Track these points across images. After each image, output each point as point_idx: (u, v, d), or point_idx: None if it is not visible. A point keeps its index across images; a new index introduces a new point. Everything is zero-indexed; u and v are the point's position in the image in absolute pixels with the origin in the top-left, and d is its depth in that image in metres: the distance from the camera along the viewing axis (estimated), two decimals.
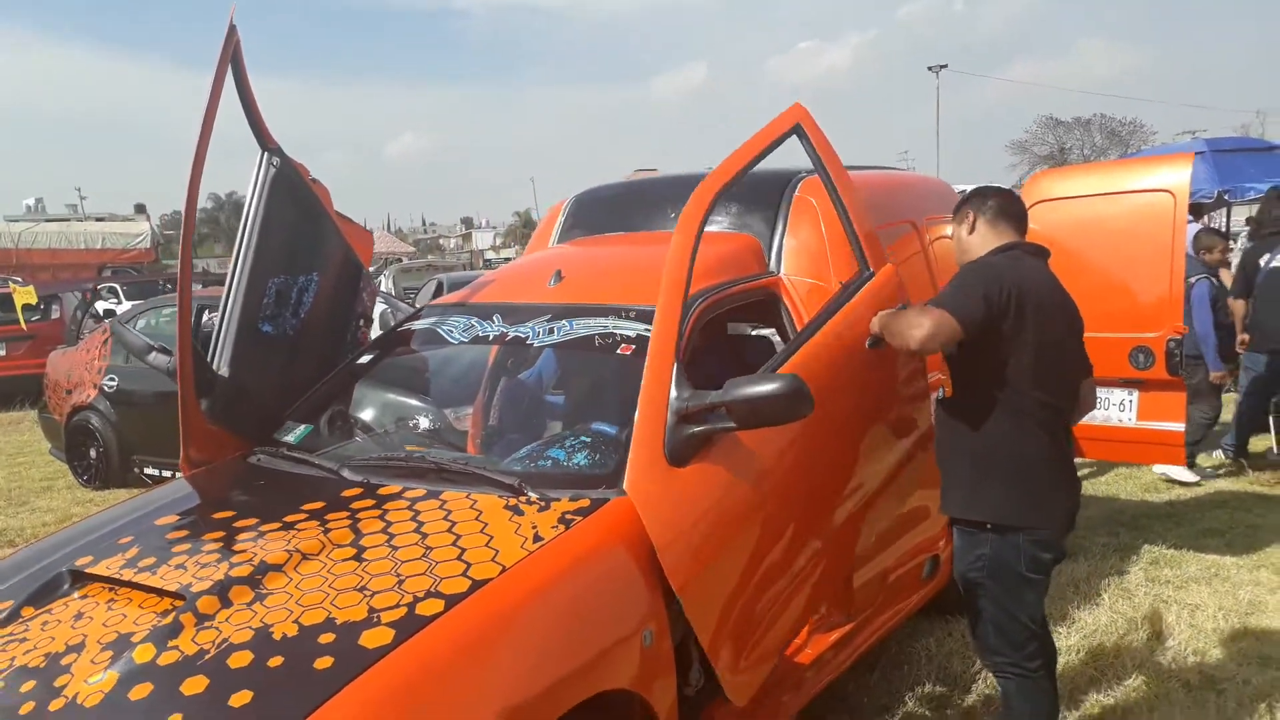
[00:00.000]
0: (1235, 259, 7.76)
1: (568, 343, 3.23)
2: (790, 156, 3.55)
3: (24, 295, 10.67)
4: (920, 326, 2.78)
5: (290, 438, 3.34)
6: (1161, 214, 4.82)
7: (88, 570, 2.55)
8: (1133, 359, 4.85)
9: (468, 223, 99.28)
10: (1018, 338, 2.83)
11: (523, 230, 73.22)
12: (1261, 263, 6.64)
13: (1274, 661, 3.97)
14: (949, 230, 4.74)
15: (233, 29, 3.22)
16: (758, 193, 3.99)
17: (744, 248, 3.77)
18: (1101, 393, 5.00)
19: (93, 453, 7.83)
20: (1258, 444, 7.12)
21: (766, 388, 2.57)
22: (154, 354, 3.40)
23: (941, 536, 4.30)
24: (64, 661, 2.17)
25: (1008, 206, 3.12)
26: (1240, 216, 10.04)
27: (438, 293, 12.65)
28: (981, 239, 3.08)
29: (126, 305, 12.75)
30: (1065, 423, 2.98)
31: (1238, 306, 6.79)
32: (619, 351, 3.11)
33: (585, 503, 2.64)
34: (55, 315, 12.40)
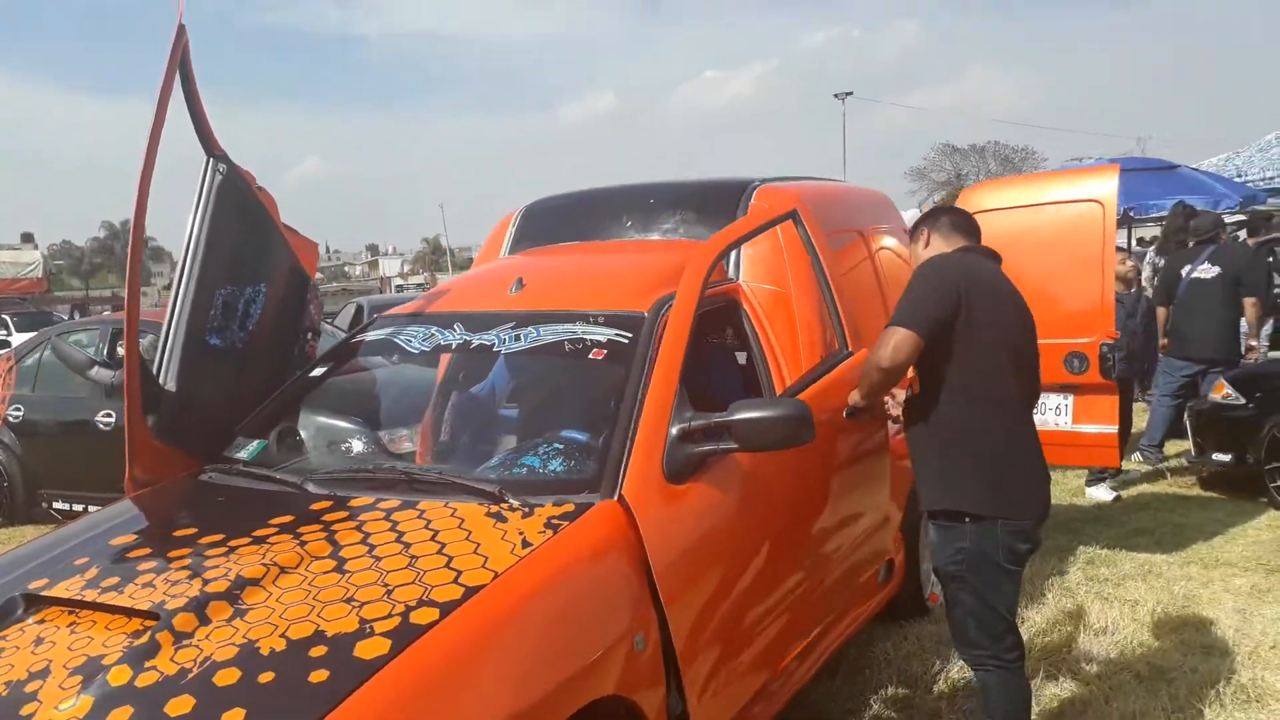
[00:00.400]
0: (1145, 272, 8.08)
1: (535, 349, 3.17)
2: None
3: None
4: (884, 347, 2.92)
5: (243, 454, 3.20)
6: (1091, 223, 4.98)
7: (44, 594, 2.38)
8: (1067, 364, 4.99)
9: (374, 249, 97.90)
10: (973, 329, 2.92)
11: (431, 257, 72.45)
12: (1183, 273, 6.92)
13: (1216, 650, 4.10)
14: (890, 241, 4.86)
15: (182, 29, 3.11)
16: (713, 201, 4.01)
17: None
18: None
19: None
20: (1172, 448, 7.41)
21: (773, 412, 2.69)
22: (96, 369, 3.25)
23: (897, 546, 4.37)
24: (28, 689, 2.02)
25: (960, 221, 3.26)
26: (1143, 233, 10.47)
27: (358, 316, 12.39)
28: (936, 251, 3.17)
29: (17, 337, 12.16)
30: (1029, 412, 3.04)
31: (1160, 314, 7.07)
32: (591, 356, 3.07)
33: (570, 508, 2.58)
34: None
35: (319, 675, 1.95)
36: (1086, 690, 3.78)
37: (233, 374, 3.49)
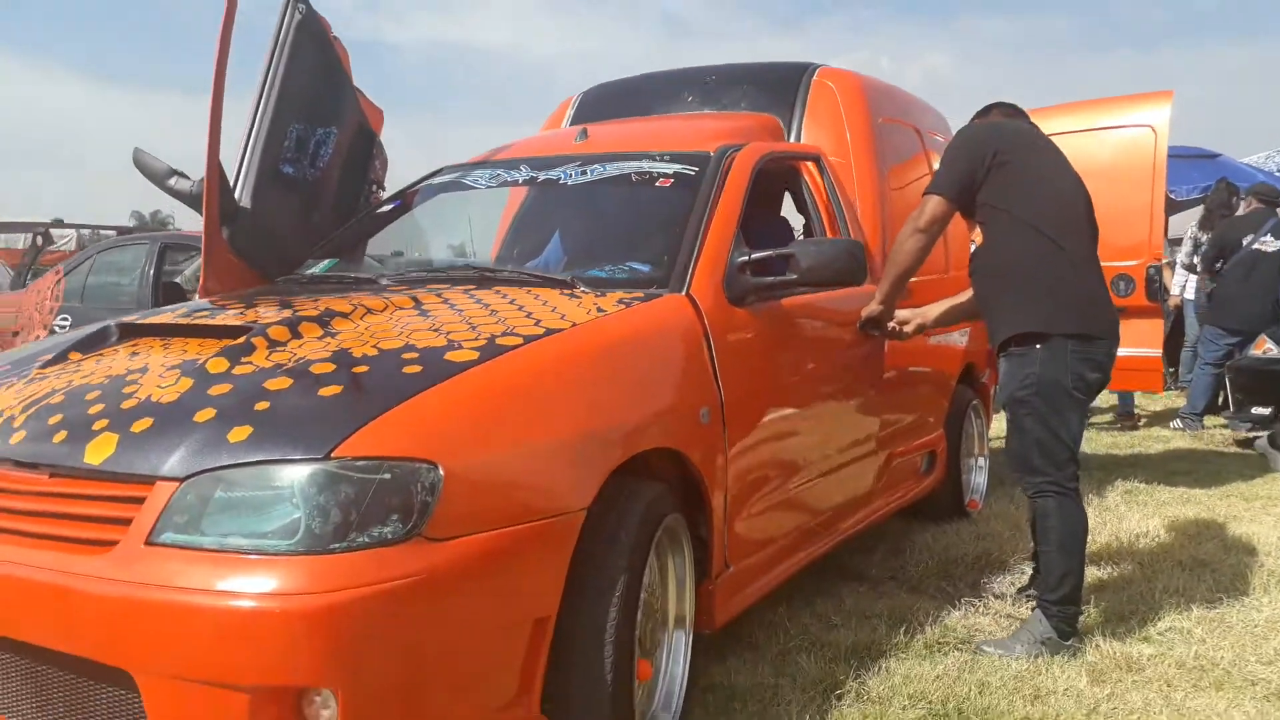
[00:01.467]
0: (1185, 247, 8.05)
1: (602, 180, 3.23)
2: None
3: None
4: (919, 212, 3.16)
5: (315, 270, 3.28)
6: (1143, 148, 5.03)
7: (138, 322, 2.45)
8: (1114, 286, 5.01)
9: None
10: (1021, 171, 3.06)
11: None
12: (1245, 241, 6.90)
13: (1260, 552, 4.09)
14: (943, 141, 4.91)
15: None
16: (775, 80, 4.08)
17: (765, 125, 3.82)
18: None
19: None
20: (1210, 421, 7.38)
21: (831, 246, 2.84)
22: (175, 178, 3.31)
23: (940, 440, 4.40)
24: (129, 378, 2.09)
25: (1011, 113, 3.40)
26: (1179, 216, 10.45)
27: None
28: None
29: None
30: (1095, 245, 3.09)
31: (1204, 281, 7.07)
32: (658, 185, 3.13)
33: (640, 294, 2.64)
34: None
35: (412, 369, 2.01)
36: (1129, 570, 3.79)
37: (302, 204, 3.56)
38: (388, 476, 1.77)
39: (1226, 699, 2.65)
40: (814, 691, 2.65)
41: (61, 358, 2.31)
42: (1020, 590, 3.51)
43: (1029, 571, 3.54)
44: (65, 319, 7.34)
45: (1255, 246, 6.82)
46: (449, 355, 2.07)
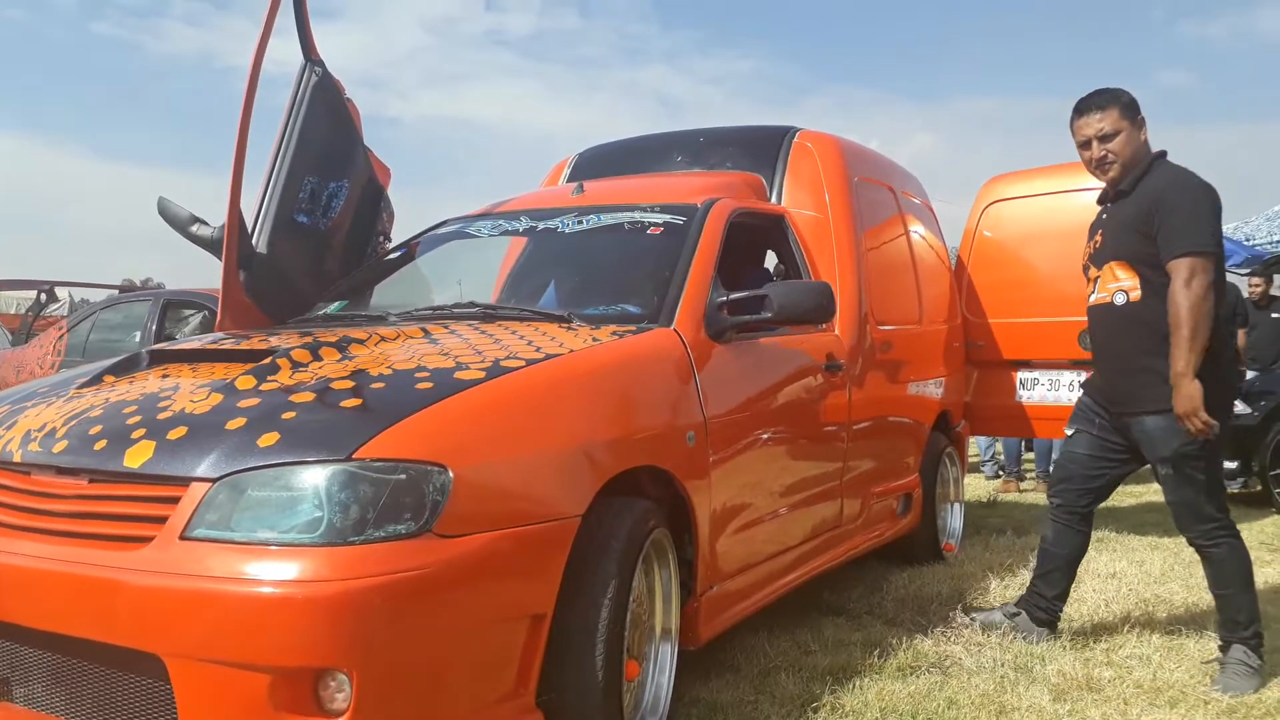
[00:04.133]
0: None
1: (597, 229, 3.47)
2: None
3: None
4: (1195, 281, 2.93)
5: (325, 311, 3.49)
6: None
7: (168, 349, 2.65)
8: (1081, 340, 5.25)
9: None
10: None
11: None
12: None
13: None
14: (916, 203, 5.16)
15: None
16: (759, 141, 4.35)
17: (748, 182, 4.09)
18: (1051, 374, 5.43)
19: None
20: None
21: (802, 286, 3.10)
22: (196, 225, 3.53)
23: (915, 484, 4.60)
24: (162, 395, 2.28)
25: None
26: None
27: None
28: (1149, 147, 3.23)
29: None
30: None
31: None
32: (649, 232, 3.37)
33: (632, 328, 2.86)
34: None
35: (424, 385, 2.22)
36: (1094, 605, 3.95)
37: (314, 252, 3.79)
38: (403, 477, 1.96)
39: (1180, 714, 2.82)
40: (791, 706, 2.80)
41: (97, 380, 2.51)
42: (1013, 606, 3.63)
43: (1015, 599, 3.71)
44: None
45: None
46: (458, 374, 2.28)
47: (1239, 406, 6.65)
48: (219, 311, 3.45)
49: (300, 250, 3.72)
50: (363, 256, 4.04)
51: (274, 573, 1.85)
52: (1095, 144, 3.21)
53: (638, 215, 3.47)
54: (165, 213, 3.58)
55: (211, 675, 1.88)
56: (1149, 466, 3.40)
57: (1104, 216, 3.34)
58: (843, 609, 3.91)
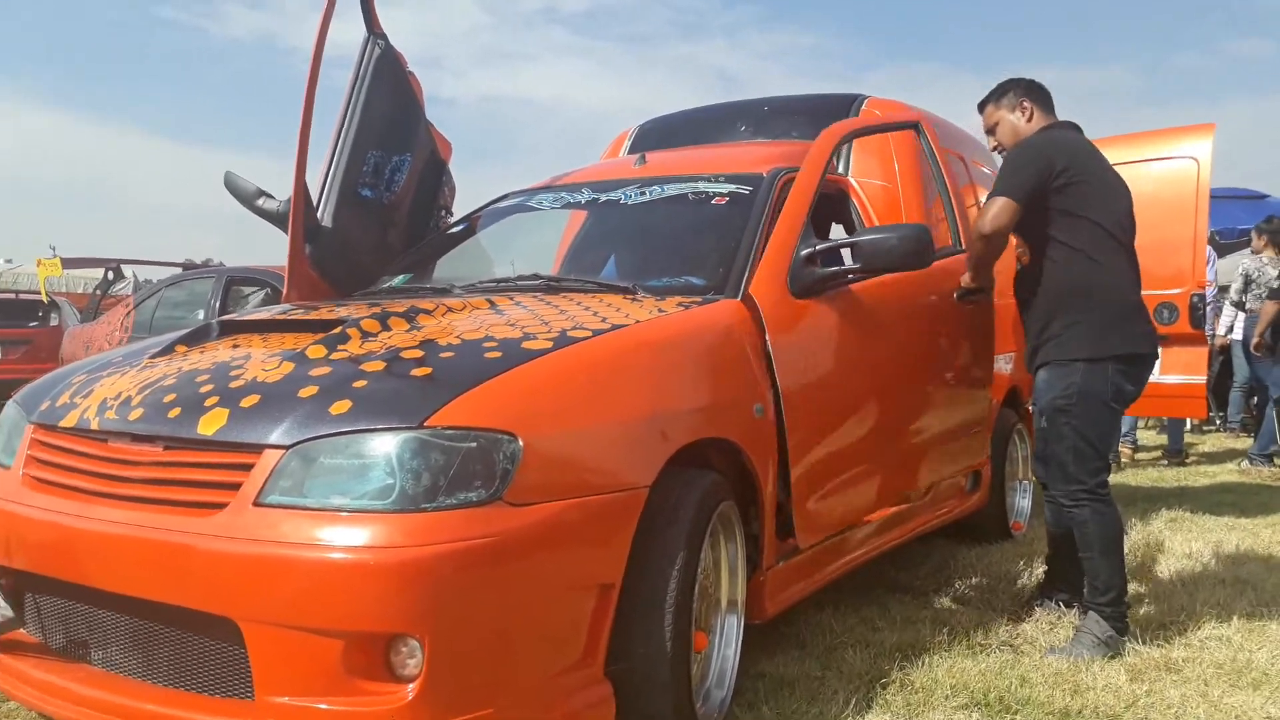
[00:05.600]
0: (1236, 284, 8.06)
1: (660, 200, 3.43)
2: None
3: (50, 267, 10.71)
4: (984, 215, 3.19)
5: (391, 284, 3.50)
6: (1186, 178, 5.14)
7: (237, 319, 2.67)
8: (1157, 315, 5.09)
9: None
10: (1072, 186, 3.15)
11: None
12: None
13: None
14: (985, 172, 5.06)
15: None
16: (825, 110, 4.26)
17: (806, 150, 4.00)
18: None
19: None
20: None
21: (896, 230, 2.96)
22: (263, 199, 3.56)
23: (985, 461, 4.51)
24: (234, 364, 2.30)
25: (1048, 96, 3.50)
26: (1225, 261, 10.46)
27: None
28: (1036, 125, 3.40)
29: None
30: (1135, 259, 3.21)
31: (1269, 308, 7.07)
32: (714, 202, 3.32)
33: (698, 299, 2.82)
34: (54, 323, 12.37)
35: (493, 355, 2.20)
36: (1169, 586, 3.85)
37: (378, 226, 3.80)
38: (474, 445, 1.95)
39: (1263, 696, 2.73)
40: (859, 682, 2.76)
41: (169, 350, 2.53)
42: (1036, 593, 3.60)
43: (1046, 574, 3.65)
44: None
45: None
46: (526, 344, 2.26)
47: None
48: (285, 283, 3.48)
49: (364, 223, 3.73)
50: (425, 230, 4.05)
51: (347, 539, 1.86)
52: (989, 137, 3.57)
53: (702, 185, 3.42)
54: (232, 186, 3.61)
55: (285, 639, 1.89)
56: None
57: None
58: (910, 586, 3.85)
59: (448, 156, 4.30)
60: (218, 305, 7.59)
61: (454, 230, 3.86)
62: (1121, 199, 3.24)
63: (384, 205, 3.83)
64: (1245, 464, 7.32)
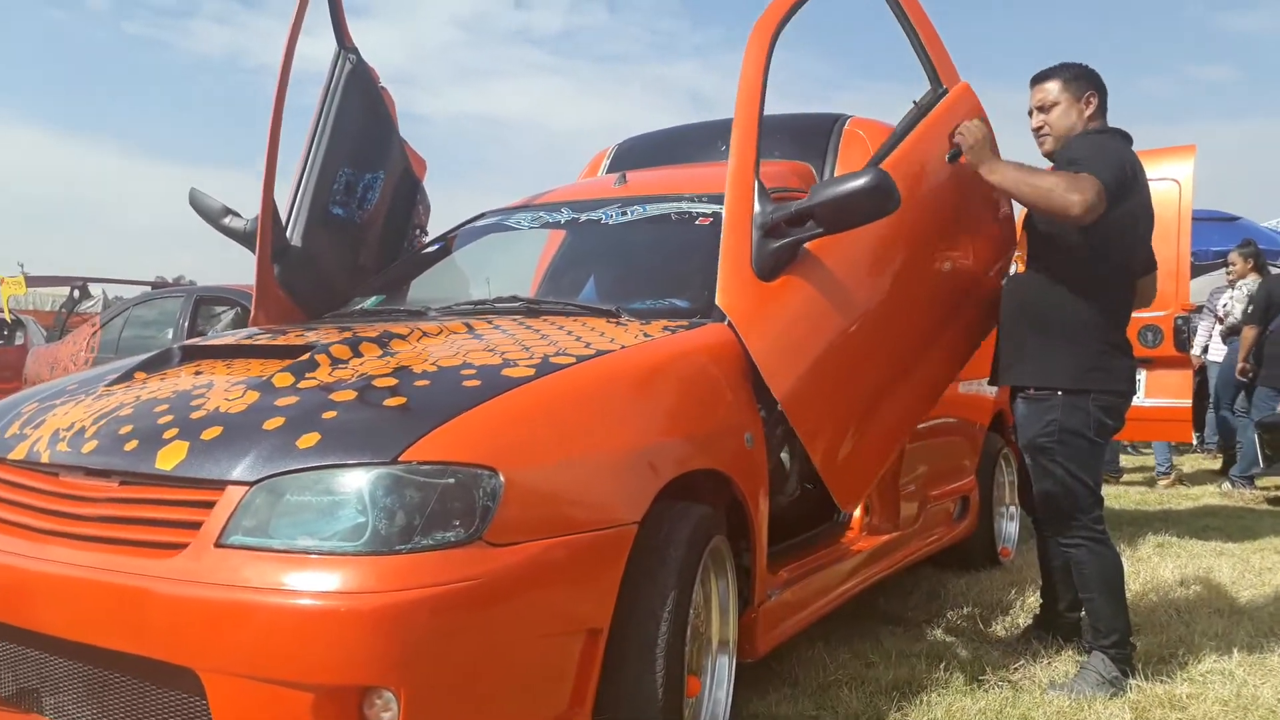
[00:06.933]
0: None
1: (642, 220, 3.32)
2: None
3: (13, 286, 10.47)
4: (1082, 193, 2.74)
5: (362, 306, 3.36)
6: (1168, 200, 5.09)
7: (201, 344, 2.53)
8: (1141, 338, 5.06)
9: None
10: (1125, 213, 2.92)
11: None
12: None
13: None
14: None
15: None
16: (807, 129, 4.17)
17: (797, 171, 3.91)
18: None
19: None
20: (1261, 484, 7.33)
21: (853, 184, 2.58)
22: (229, 217, 3.42)
23: (972, 486, 4.42)
24: (195, 393, 2.16)
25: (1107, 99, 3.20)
26: (1199, 281, 10.49)
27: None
28: (1094, 121, 3.11)
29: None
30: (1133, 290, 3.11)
31: (1248, 334, 7.07)
32: (697, 223, 3.21)
33: (684, 322, 2.70)
34: (19, 342, 12.08)
35: (472, 383, 2.07)
36: (1166, 617, 3.76)
37: (349, 245, 3.67)
38: (451, 481, 1.82)
39: None
40: None
41: (127, 377, 2.38)
42: (1030, 628, 3.49)
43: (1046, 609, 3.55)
44: None
45: None
46: (506, 371, 2.14)
47: None
48: (253, 305, 3.34)
49: (335, 243, 3.60)
50: (399, 249, 3.92)
51: (316, 584, 1.72)
52: (1035, 113, 3.18)
53: (685, 205, 3.31)
54: (197, 204, 3.47)
55: (250, 692, 1.75)
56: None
57: None
58: (902, 618, 3.73)
59: (422, 174, 4.17)
60: (186, 325, 7.41)
61: (429, 250, 3.73)
62: (1149, 236, 3.12)
63: (356, 224, 3.70)
64: (1227, 486, 7.29)
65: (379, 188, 3.81)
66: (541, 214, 3.59)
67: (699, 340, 2.60)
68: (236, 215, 3.44)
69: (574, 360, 2.24)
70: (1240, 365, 7.24)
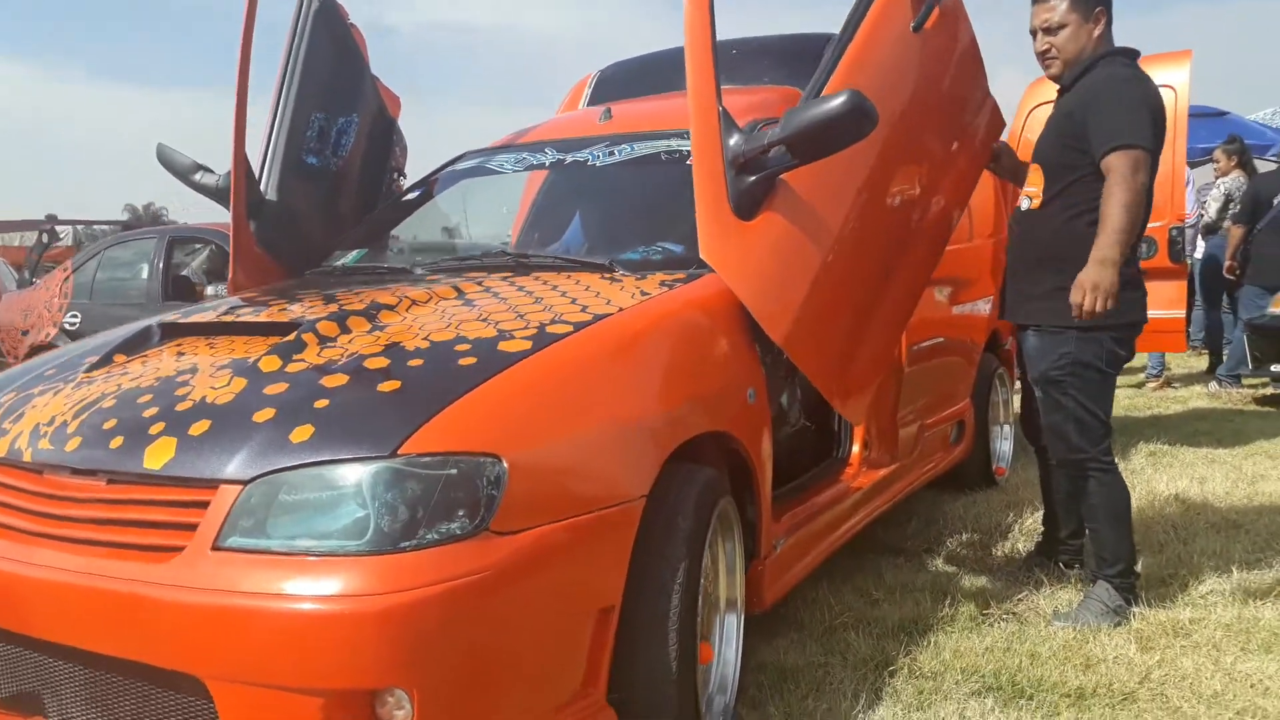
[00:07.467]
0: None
1: (631, 161, 3.20)
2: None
3: None
4: (1137, 177, 2.74)
5: (344, 262, 3.26)
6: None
7: (180, 321, 2.44)
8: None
9: None
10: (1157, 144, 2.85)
11: None
12: (1276, 201, 6.86)
13: None
14: None
15: None
16: (798, 52, 4.01)
17: (789, 98, 3.77)
18: None
19: None
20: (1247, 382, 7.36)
21: (826, 109, 2.37)
22: (200, 173, 3.29)
23: (968, 410, 4.40)
24: (179, 380, 2.07)
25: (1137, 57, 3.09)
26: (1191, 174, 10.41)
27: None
28: (1103, 41, 3.00)
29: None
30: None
31: (1235, 232, 7.02)
32: (688, 164, 3.08)
33: (681, 275, 2.62)
34: None
35: (467, 361, 2.00)
36: (1164, 534, 3.79)
37: (327, 195, 3.55)
38: (454, 472, 1.76)
39: (1276, 661, 2.66)
40: (865, 669, 2.65)
41: (106, 360, 2.29)
42: (1032, 555, 3.51)
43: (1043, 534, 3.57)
44: (75, 316, 7.32)
45: None
46: (502, 345, 2.06)
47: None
48: (230, 265, 3.23)
49: (312, 194, 3.48)
50: (377, 195, 3.79)
51: (320, 587, 1.67)
52: (1040, 35, 3.03)
53: (675, 144, 3.18)
54: (166, 160, 3.33)
55: (258, 698, 1.71)
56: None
57: (1051, 111, 3.13)
58: (901, 548, 3.75)
59: (396, 113, 4.02)
60: (161, 265, 7.25)
61: (409, 197, 3.61)
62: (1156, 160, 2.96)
63: (332, 172, 3.57)
64: (1214, 386, 7.33)
65: (353, 132, 3.67)
66: (525, 155, 3.47)
67: (696, 295, 2.52)
68: (208, 171, 3.31)
69: (571, 329, 2.16)
70: (1228, 264, 7.22)
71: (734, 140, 2.53)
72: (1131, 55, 3.04)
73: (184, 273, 7.42)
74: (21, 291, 8.40)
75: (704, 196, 2.49)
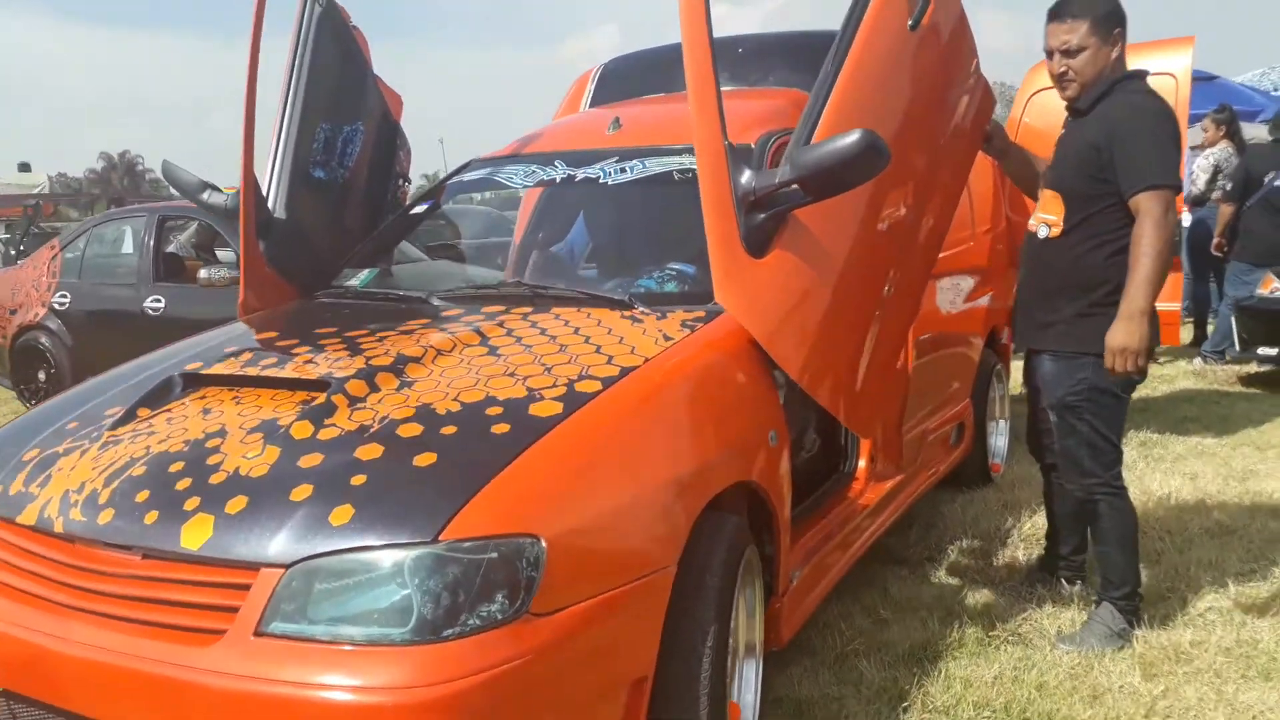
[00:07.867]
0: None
1: (642, 180, 3.17)
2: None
3: None
4: (1167, 215, 2.77)
5: (354, 282, 3.23)
6: (1165, 96, 4.96)
7: (202, 372, 2.42)
8: None
9: None
10: None
11: None
12: (1266, 179, 6.87)
13: None
14: None
15: None
16: (808, 51, 3.95)
17: (798, 103, 3.74)
18: None
19: (42, 375, 7.42)
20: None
21: (839, 148, 2.35)
22: (208, 192, 3.24)
23: (967, 410, 4.44)
24: (209, 445, 2.07)
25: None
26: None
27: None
28: (1120, 63, 2.99)
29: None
30: None
31: (1225, 210, 7.05)
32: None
33: (701, 313, 2.61)
34: None
35: (500, 428, 2.00)
36: (1160, 541, 3.86)
37: (334, 208, 3.51)
38: (495, 555, 1.77)
39: (1276, 691, 2.73)
40: (879, 703, 2.70)
41: (130, 416, 2.27)
42: (1034, 570, 3.56)
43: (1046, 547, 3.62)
44: (65, 295, 7.22)
45: (1277, 184, 6.79)
46: (533, 409, 2.06)
47: (1279, 288, 6.49)
48: (241, 286, 3.19)
49: (320, 208, 3.45)
50: (383, 205, 3.75)
51: (365, 678, 1.68)
52: (1058, 56, 2.98)
53: (686, 161, 3.15)
54: (172, 179, 3.29)
55: None
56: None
57: (1064, 133, 3.12)
58: (903, 557, 3.80)
59: (398, 114, 3.96)
60: (151, 243, 7.11)
61: (417, 210, 3.56)
62: None
63: (339, 184, 3.53)
64: (1199, 362, 7.42)
65: (358, 140, 3.62)
66: (535, 168, 3.42)
67: (717, 336, 2.51)
68: (215, 189, 3.27)
69: (600, 386, 2.16)
70: (1216, 241, 7.27)
71: (745, 178, 2.51)
72: (1142, 76, 3.03)
73: (172, 248, 7.33)
74: (9, 269, 8.26)
75: (715, 237, 2.46)
